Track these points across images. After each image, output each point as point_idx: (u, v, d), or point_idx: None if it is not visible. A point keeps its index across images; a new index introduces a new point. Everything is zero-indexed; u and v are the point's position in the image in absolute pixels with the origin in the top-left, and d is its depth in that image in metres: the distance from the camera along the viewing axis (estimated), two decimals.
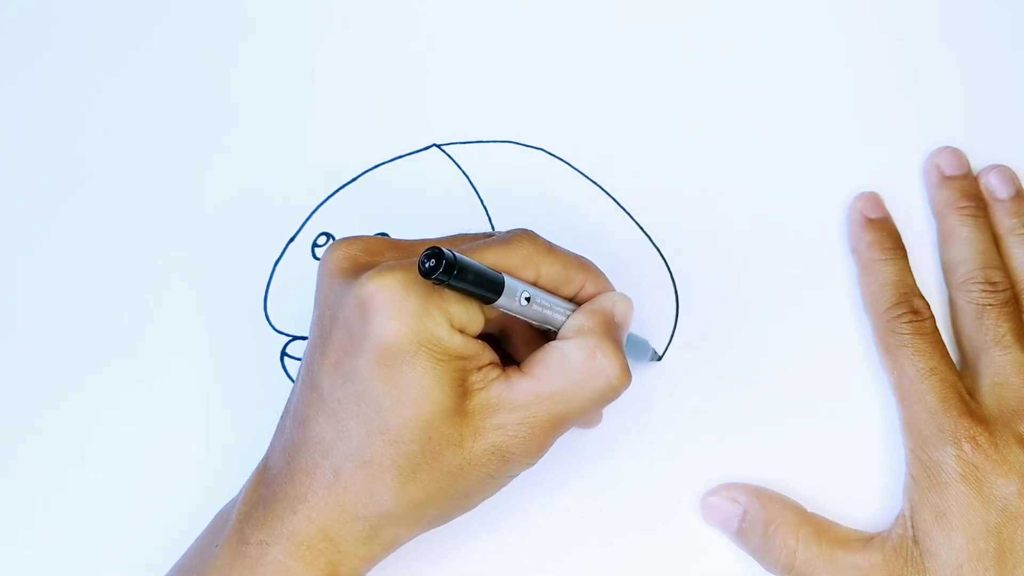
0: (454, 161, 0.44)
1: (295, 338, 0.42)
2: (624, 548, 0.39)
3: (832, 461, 0.40)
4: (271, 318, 0.42)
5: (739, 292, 0.42)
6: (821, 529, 0.38)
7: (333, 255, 0.34)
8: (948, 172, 0.43)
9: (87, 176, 0.44)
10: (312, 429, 0.33)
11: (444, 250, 0.30)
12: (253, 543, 0.32)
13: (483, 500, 0.35)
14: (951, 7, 0.46)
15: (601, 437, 0.40)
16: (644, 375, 0.41)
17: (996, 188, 0.43)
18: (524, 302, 0.33)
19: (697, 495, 0.40)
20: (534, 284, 0.34)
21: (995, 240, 0.42)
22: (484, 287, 0.32)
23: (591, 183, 0.44)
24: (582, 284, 0.35)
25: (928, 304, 0.40)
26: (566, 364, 0.33)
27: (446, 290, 0.32)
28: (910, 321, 0.39)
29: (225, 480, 0.36)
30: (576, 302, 0.36)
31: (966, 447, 0.37)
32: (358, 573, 0.33)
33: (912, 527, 0.37)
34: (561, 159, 0.44)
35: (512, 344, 0.37)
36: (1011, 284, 0.41)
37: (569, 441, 0.40)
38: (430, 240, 0.35)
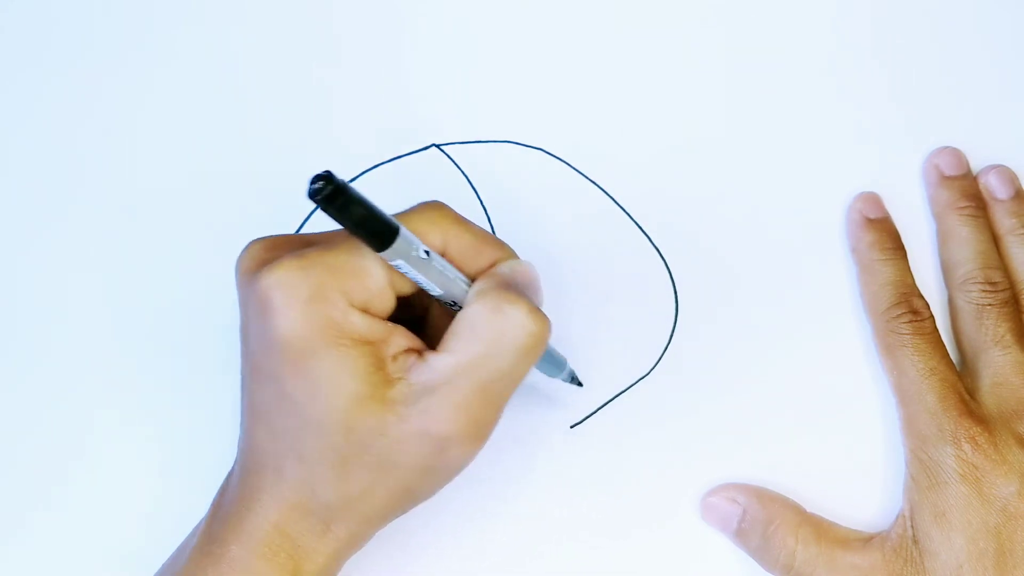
0: (453, 161, 0.44)
1: None
2: (624, 548, 0.39)
3: (832, 461, 0.40)
4: None
5: (739, 292, 0.42)
6: (821, 529, 0.38)
7: (241, 258, 0.33)
8: (948, 172, 0.43)
9: (86, 176, 0.44)
10: (251, 432, 0.33)
11: (335, 175, 0.29)
12: (217, 542, 0.33)
13: (432, 493, 0.34)
14: (951, 7, 0.46)
15: (601, 437, 0.40)
16: (644, 375, 0.41)
17: (996, 188, 0.43)
18: (424, 255, 0.31)
19: (697, 495, 0.40)
20: (442, 253, 0.33)
21: (995, 240, 0.42)
22: (374, 228, 0.30)
23: (591, 183, 0.44)
24: (493, 259, 0.34)
25: (928, 304, 0.40)
26: (475, 328, 0.31)
27: (342, 266, 0.31)
28: (910, 321, 0.39)
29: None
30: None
31: (966, 447, 0.37)
32: (325, 570, 0.33)
33: (912, 527, 0.37)
34: (561, 159, 0.44)
35: (436, 333, 0.35)
36: (1011, 284, 0.41)
37: (569, 441, 0.40)
38: (339, 232, 0.33)
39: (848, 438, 0.40)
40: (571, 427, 0.41)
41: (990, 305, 0.40)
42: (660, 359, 0.41)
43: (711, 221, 0.43)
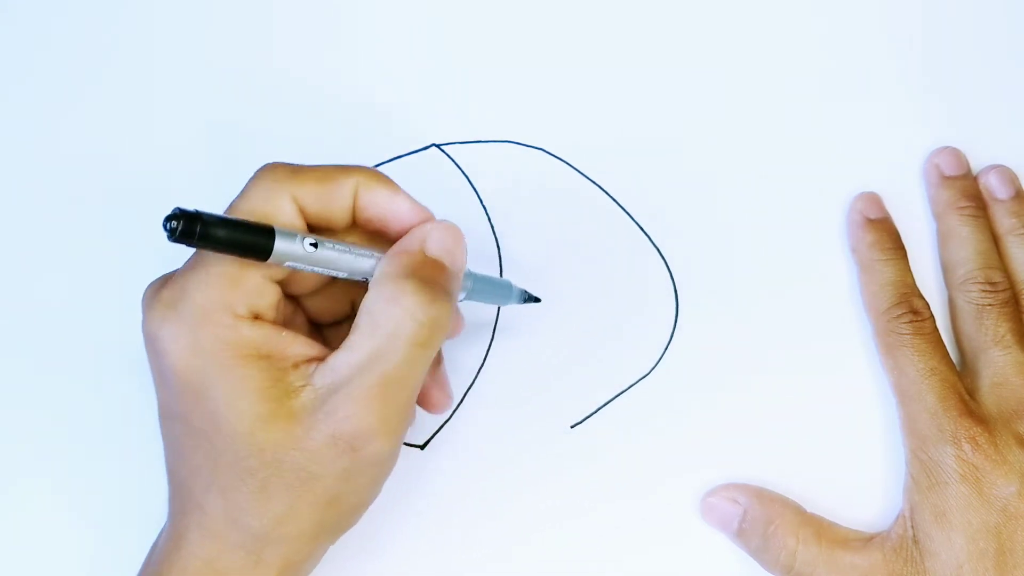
0: (454, 161, 0.44)
1: None
2: (624, 548, 0.39)
3: (832, 461, 0.40)
4: None
5: (739, 292, 0.42)
6: (821, 529, 0.38)
7: (142, 301, 0.32)
8: (948, 172, 0.43)
9: (86, 175, 0.44)
10: (173, 472, 0.33)
11: (184, 207, 0.28)
12: None
13: (364, 499, 0.33)
14: (951, 7, 0.46)
15: (601, 437, 0.40)
16: (644, 375, 0.41)
17: (996, 188, 0.43)
18: (310, 248, 0.30)
19: (697, 495, 0.40)
20: (300, 226, 0.31)
21: (995, 240, 0.42)
22: (247, 242, 0.29)
23: (591, 183, 0.44)
24: (352, 191, 0.32)
25: (928, 304, 0.40)
26: (373, 321, 0.30)
27: (212, 282, 0.30)
28: (910, 321, 0.39)
29: None
30: (367, 222, 0.32)
31: (966, 447, 0.37)
32: None
33: (912, 527, 0.37)
34: (561, 159, 0.44)
35: None
36: (1011, 284, 0.41)
37: (569, 441, 0.40)
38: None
39: (848, 438, 0.40)
40: (571, 427, 0.41)
41: (990, 305, 0.40)
42: (660, 359, 0.41)
43: (711, 221, 0.43)
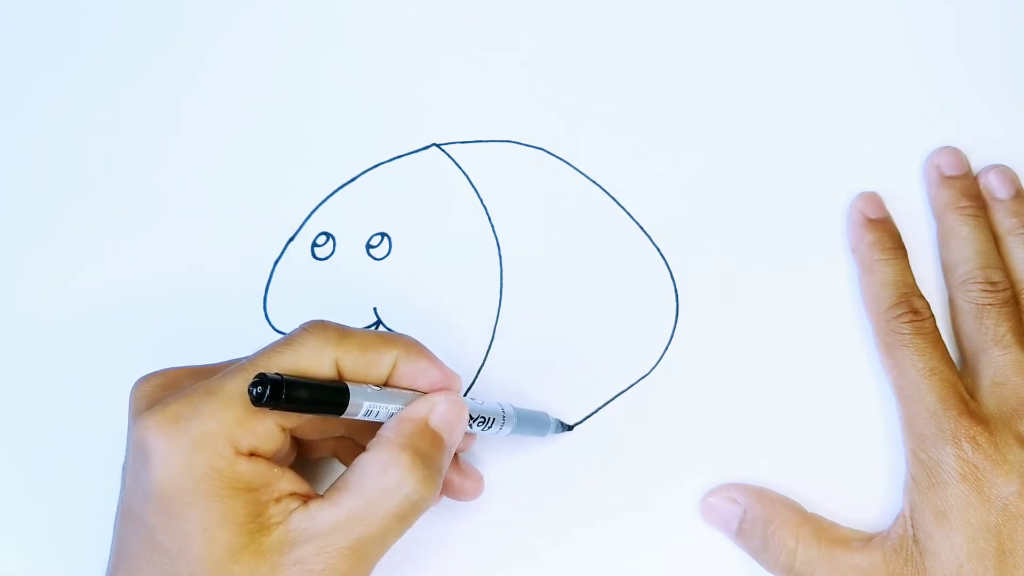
0: (454, 161, 0.44)
1: None
2: (624, 547, 0.39)
3: (832, 461, 0.40)
4: (271, 318, 0.42)
5: (739, 292, 0.42)
6: (821, 529, 0.38)
7: (134, 393, 0.33)
8: (948, 172, 0.43)
9: (86, 175, 0.44)
10: (115, 573, 0.32)
11: (267, 374, 0.29)
12: None
13: None
14: (951, 7, 0.46)
15: (601, 437, 0.40)
16: (644, 375, 0.41)
17: (996, 188, 0.43)
18: (371, 408, 0.32)
19: (697, 495, 0.40)
20: (337, 378, 0.32)
21: (995, 240, 0.42)
22: (326, 400, 0.31)
23: (591, 183, 0.44)
24: (392, 362, 0.33)
25: (928, 304, 0.40)
26: (362, 482, 0.31)
27: (226, 414, 0.30)
28: (910, 321, 0.39)
29: None
30: (402, 384, 0.34)
31: (966, 447, 0.37)
32: None
33: (912, 527, 0.37)
34: (561, 159, 0.44)
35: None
36: (1011, 284, 0.41)
37: (569, 441, 0.40)
38: (227, 363, 0.33)
39: (848, 438, 0.40)
40: (571, 427, 0.41)
41: (990, 305, 0.40)
42: (660, 359, 0.41)
43: (711, 221, 0.43)
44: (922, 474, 0.37)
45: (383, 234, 0.43)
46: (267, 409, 0.30)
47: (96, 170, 0.44)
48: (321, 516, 0.31)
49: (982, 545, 0.36)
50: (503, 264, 0.42)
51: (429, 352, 0.34)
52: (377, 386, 0.33)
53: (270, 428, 0.31)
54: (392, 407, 0.33)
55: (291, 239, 0.43)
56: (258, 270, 0.42)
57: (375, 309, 0.42)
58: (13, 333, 0.42)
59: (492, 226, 0.43)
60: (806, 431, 0.40)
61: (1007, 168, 0.43)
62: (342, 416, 0.31)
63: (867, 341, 0.41)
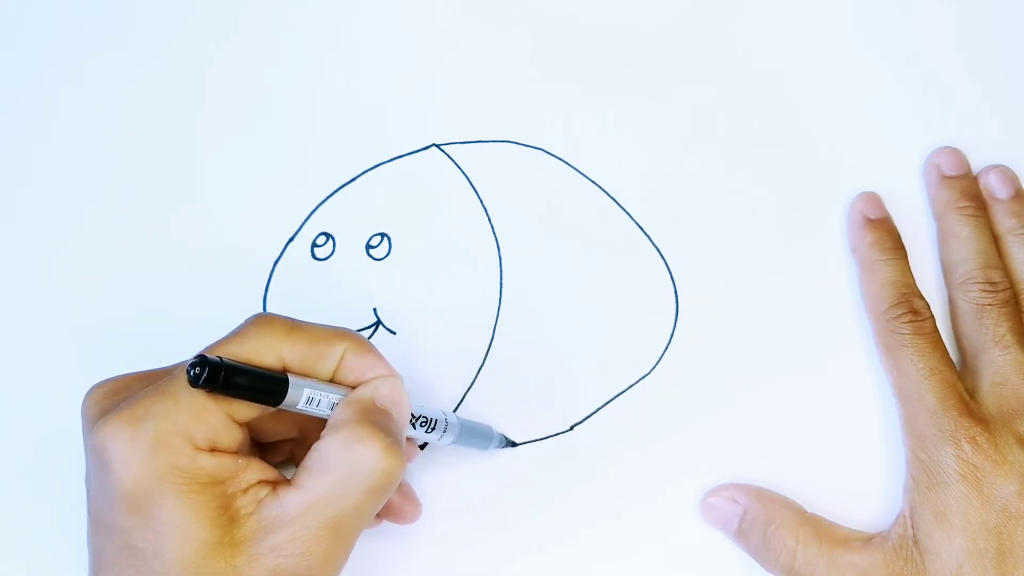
0: (454, 161, 0.44)
1: None
2: (624, 547, 0.39)
3: (832, 461, 0.40)
4: None
5: (739, 292, 0.42)
6: (821, 529, 0.38)
7: (84, 403, 0.33)
8: (948, 172, 0.43)
9: (86, 174, 0.44)
10: None
11: (208, 356, 0.30)
12: None
13: None
14: (951, 7, 0.46)
15: (601, 437, 0.40)
16: (644, 375, 0.41)
17: (996, 188, 0.43)
18: (310, 402, 0.32)
19: (697, 495, 0.40)
20: (282, 369, 0.32)
21: (995, 240, 0.42)
22: (264, 388, 0.31)
23: (591, 183, 0.44)
24: (340, 354, 0.33)
25: (928, 304, 0.40)
26: (326, 464, 0.31)
27: (179, 411, 0.30)
28: (910, 321, 0.39)
29: None
30: (345, 380, 0.34)
31: (966, 447, 0.37)
32: None
33: (912, 527, 0.37)
34: (561, 159, 0.44)
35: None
36: (1011, 284, 0.41)
37: (569, 441, 0.40)
38: (177, 365, 0.33)
39: (848, 438, 0.40)
40: (571, 427, 0.41)
41: (990, 305, 0.40)
42: (660, 359, 0.41)
43: (711, 221, 0.43)
44: (922, 474, 0.37)
45: (383, 234, 0.43)
46: (205, 392, 0.30)
47: (96, 170, 0.44)
48: (291, 500, 0.31)
49: (982, 545, 0.36)
50: (503, 264, 0.42)
51: (376, 349, 0.34)
52: (322, 380, 0.33)
53: (223, 421, 0.31)
54: (334, 396, 0.33)
55: (291, 239, 0.43)
56: (258, 270, 0.42)
57: (375, 309, 0.42)
58: (13, 333, 0.42)
59: (492, 226, 0.43)
60: (806, 431, 0.40)
61: (1007, 168, 0.43)
62: (283, 406, 0.31)
63: (867, 341, 0.41)
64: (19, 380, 0.41)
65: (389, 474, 0.32)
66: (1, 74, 0.45)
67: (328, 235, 0.43)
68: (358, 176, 0.44)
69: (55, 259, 0.43)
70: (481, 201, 0.43)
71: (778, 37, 0.45)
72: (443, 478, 0.40)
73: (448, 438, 0.37)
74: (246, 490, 0.31)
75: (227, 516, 0.31)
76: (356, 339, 0.34)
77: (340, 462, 0.31)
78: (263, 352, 0.32)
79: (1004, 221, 0.42)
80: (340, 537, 0.31)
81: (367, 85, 0.45)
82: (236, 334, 0.32)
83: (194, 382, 0.30)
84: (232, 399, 0.31)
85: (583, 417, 0.41)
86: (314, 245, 0.43)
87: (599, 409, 0.41)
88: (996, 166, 0.43)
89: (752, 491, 0.39)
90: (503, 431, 0.40)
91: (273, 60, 0.45)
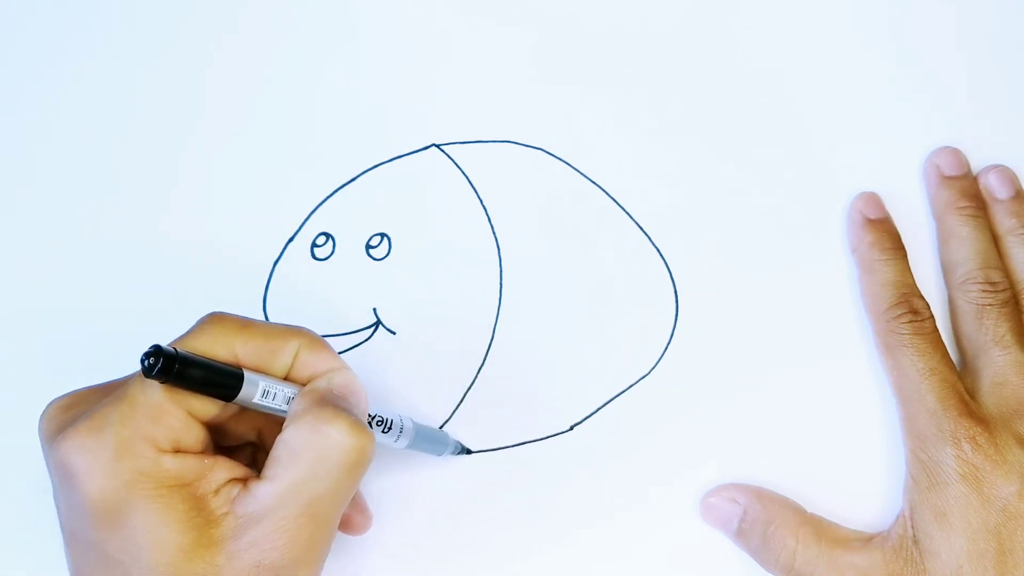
0: (453, 161, 0.44)
1: None
2: (624, 547, 0.39)
3: (832, 461, 0.40)
4: (270, 318, 0.42)
5: (739, 292, 0.42)
6: (821, 529, 0.38)
7: (41, 422, 0.32)
8: (948, 172, 0.43)
9: (86, 173, 0.44)
10: None
11: (163, 346, 0.30)
12: None
13: None
14: (951, 7, 0.46)
15: (601, 437, 0.40)
16: (644, 375, 0.41)
17: (996, 188, 0.43)
18: (265, 397, 0.32)
19: (697, 495, 0.40)
20: (235, 364, 0.32)
21: (995, 240, 0.42)
22: (218, 382, 0.31)
23: (591, 183, 0.44)
24: (294, 351, 0.33)
25: (928, 304, 0.40)
26: (294, 451, 0.31)
27: (137, 415, 0.30)
28: (910, 321, 0.39)
29: None
30: (300, 377, 0.33)
31: (966, 447, 0.37)
32: None
33: (912, 527, 0.37)
34: (561, 159, 0.44)
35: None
36: (1011, 284, 0.41)
37: (569, 441, 0.40)
38: (129, 376, 0.33)
39: (848, 438, 0.40)
40: (571, 427, 0.41)
41: (990, 305, 0.40)
42: (660, 359, 0.41)
43: (711, 221, 0.43)
44: (922, 474, 0.37)
45: (383, 234, 0.43)
46: (160, 385, 0.30)
47: (95, 170, 0.44)
48: (265, 493, 0.31)
49: (982, 545, 0.36)
50: (503, 264, 0.42)
51: (330, 346, 0.34)
52: (276, 387, 0.33)
53: (183, 420, 0.31)
54: (289, 391, 0.33)
55: (291, 239, 0.43)
56: (258, 270, 0.42)
57: (375, 309, 0.42)
58: (13, 334, 0.42)
59: (492, 226, 0.43)
60: (806, 431, 0.40)
61: (1007, 168, 0.43)
62: (240, 399, 0.31)
63: (867, 341, 0.41)
64: (18, 379, 0.41)
65: (360, 450, 0.31)
66: (1, 74, 0.45)
67: (328, 235, 0.43)
68: (358, 176, 0.44)
69: (55, 259, 0.43)
70: (481, 201, 0.43)
71: (778, 37, 0.45)
72: (442, 478, 0.40)
73: (403, 441, 0.37)
74: (217, 490, 0.31)
75: (201, 517, 0.30)
76: (310, 336, 0.34)
77: (308, 447, 0.31)
78: (217, 348, 0.32)
79: (1004, 221, 0.42)
80: (320, 523, 0.31)
81: (367, 85, 0.45)
82: (189, 332, 0.32)
83: (148, 372, 0.29)
84: (189, 395, 0.31)
85: (583, 417, 0.41)
86: (314, 245, 0.43)
87: (599, 409, 0.41)
88: (996, 166, 0.43)
89: (752, 491, 0.39)
90: (503, 432, 0.40)
91: (273, 60, 0.45)
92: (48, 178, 0.44)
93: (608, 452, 0.40)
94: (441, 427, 0.40)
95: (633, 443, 0.40)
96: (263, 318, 0.42)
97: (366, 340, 0.42)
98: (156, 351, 0.29)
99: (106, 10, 0.46)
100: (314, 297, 0.42)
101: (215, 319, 0.33)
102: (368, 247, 0.43)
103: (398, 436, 0.36)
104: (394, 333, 0.42)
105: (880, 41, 0.45)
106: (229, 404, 0.32)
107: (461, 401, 0.41)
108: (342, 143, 0.44)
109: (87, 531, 0.30)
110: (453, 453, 0.40)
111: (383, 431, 0.36)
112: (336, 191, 0.43)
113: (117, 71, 0.45)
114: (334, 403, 0.32)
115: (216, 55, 0.45)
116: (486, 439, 0.40)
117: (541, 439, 0.41)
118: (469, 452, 0.40)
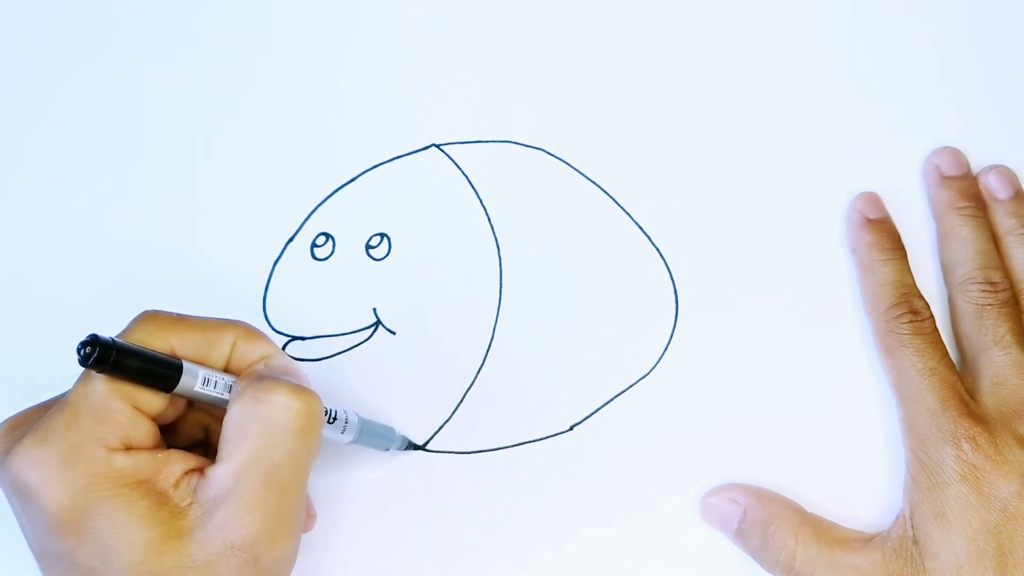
0: (453, 161, 0.44)
1: (294, 338, 0.42)
2: (624, 547, 0.39)
3: (832, 461, 0.40)
4: (270, 318, 0.42)
5: (739, 292, 0.42)
6: (821, 529, 0.38)
7: None
8: (948, 172, 0.43)
9: (86, 173, 0.44)
10: None
11: (100, 336, 0.29)
12: None
13: None
14: (951, 7, 0.46)
15: (601, 437, 0.40)
16: (644, 375, 0.41)
17: (996, 188, 0.43)
18: (205, 386, 0.32)
19: (697, 495, 0.40)
20: (173, 356, 0.32)
21: (995, 240, 0.42)
22: (157, 372, 0.30)
23: (591, 183, 0.44)
24: (231, 342, 0.33)
25: (928, 304, 0.40)
26: (243, 426, 0.31)
27: (81, 419, 0.30)
28: (910, 321, 0.39)
29: None
30: (239, 368, 0.34)
31: (966, 447, 0.37)
32: None
33: (912, 527, 0.37)
34: (561, 159, 0.44)
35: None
36: (1011, 284, 0.41)
37: (569, 441, 0.40)
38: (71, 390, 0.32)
39: (848, 438, 0.40)
40: (571, 427, 0.41)
41: (990, 305, 0.40)
42: (660, 359, 0.41)
43: (711, 221, 0.43)
44: (922, 474, 0.37)
45: (383, 234, 0.43)
46: (97, 373, 0.30)
47: (96, 170, 0.44)
48: (222, 473, 0.31)
49: (982, 546, 0.36)
50: (503, 264, 0.42)
51: (267, 337, 0.34)
52: (216, 377, 0.32)
53: (130, 415, 0.31)
54: (230, 379, 0.33)
55: (291, 239, 0.43)
56: (258, 270, 0.42)
57: (375, 309, 0.42)
58: (16, 334, 0.42)
59: (492, 226, 0.43)
60: (806, 431, 0.40)
61: (1007, 168, 0.43)
62: (181, 389, 0.31)
63: (867, 341, 0.41)
64: (19, 380, 0.41)
65: (307, 412, 0.31)
66: (1, 74, 0.45)
67: (328, 235, 0.43)
68: (358, 176, 0.44)
69: (54, 259, 0.43)
70: (481, 201, 0.43)
71: (778, 37, 0.45)
72: (442, 478, 0.40)
73: (348, 435, 0.36)
74: (177, 483, 0.31)
75: (166, 511, 0.30)
76: (246, 327, 0.34)
77: (255, 419, 0.31)
78: (154, 341, 0.32)
79: (1004, 221, 0.42)
80: (284, 492, 0.31)
81: (367, 85, 0.45)
82: (124, 330, 0.32)
83: (84, 361, 0.29)
84: (132, 388, 0.31)
85: (583, 417, 0.41)
86: (314, 245, 0.43)
87: (599, 409, 0.41)
88: (996, 166, 0.43)
89: (752, 491, 0.39)
90: (503, 432, 0.40)
91: (273, 60, 0.45)
92: (48, 178, 0.44)
93: (608, 452, 0.40)
94: (441, 427, 0.40)
95: (633, 443, 0.40)
96: (263, 318, 0.42)
97: (366, 340, 0.42)
98: (93, 340, 0.29)
99: (106, 11, 0.46)
100: (314, 297, 0.42)
101: (149, 316, 0.33)
102: (368, 247, 0.43)
103: (343, 428, 0.36)
104: (394, 333, 0.42)
105: (880, 41, 0.45)
106: (175, 399, 0.32)
107: (461, 401, 0.41)
108: (342, 143, 0.44)
109: (55, 544, 0.30)
110: (400, 448, 0.39)
111: (328, 421, 0.35)
112: (336, 191, 0.43)
113: (117, 72, 0.45)
114: (273, 376, 0.32)
115: (216, 55, 0.45)
116: (486, 439, 0.40)
117: (541, 439, 0.41)
118: (416, 447, 0.40)
